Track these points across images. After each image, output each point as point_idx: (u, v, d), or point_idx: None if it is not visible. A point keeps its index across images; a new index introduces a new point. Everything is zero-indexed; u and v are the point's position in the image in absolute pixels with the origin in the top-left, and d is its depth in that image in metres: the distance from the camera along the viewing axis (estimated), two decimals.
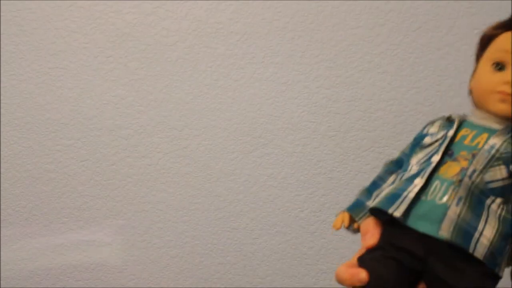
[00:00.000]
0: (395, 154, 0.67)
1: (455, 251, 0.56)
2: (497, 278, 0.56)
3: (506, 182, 0.58)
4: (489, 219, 0.57)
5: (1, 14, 1.01)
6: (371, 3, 0.98)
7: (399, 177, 0.63)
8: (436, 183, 0.59)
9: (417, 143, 0.65)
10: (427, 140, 0.63)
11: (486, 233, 0.56)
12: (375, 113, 0.98)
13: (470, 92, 0.65)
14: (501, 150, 0.58)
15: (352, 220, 0.65)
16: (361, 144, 1.00)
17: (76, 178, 1.02)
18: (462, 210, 0.57)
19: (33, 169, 1.03)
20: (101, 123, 1.01)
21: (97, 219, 1.02)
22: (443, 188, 0.58)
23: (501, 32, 0.63)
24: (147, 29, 1.00)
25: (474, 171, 0.58)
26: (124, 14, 1.00)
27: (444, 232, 0.56)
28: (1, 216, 1.03)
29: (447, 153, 0.61)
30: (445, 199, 0.57)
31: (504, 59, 0.62)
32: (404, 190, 0.59)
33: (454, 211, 0.56)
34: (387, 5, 0.97)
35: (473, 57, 0.96)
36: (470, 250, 0.55)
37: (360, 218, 0.64)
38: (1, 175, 1.03)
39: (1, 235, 1.03)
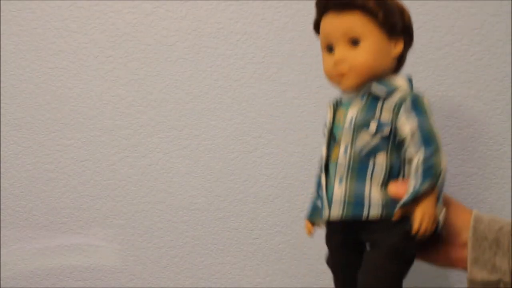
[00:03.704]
0: None
1: (365, 223, 0.61)
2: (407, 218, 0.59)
3: (375, 140, 0.62)
4: (373, 178, 0.61)
5: (1, 14, 1.01)
6: None
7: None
8: (330, 171, 0.65)
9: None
10: (324, 131, 0.69)
11: (374, 193, 0.61)
12: None
13: None
14: (357, 119, 0.63)
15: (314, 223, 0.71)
16: None
17: (76, 178, 1.02)
18: (346, 187, 0.62)
19: (33, 169, 1.03)
20: (101, 123, 1.01)
21: (97, 219, 1.02)
22: (333, 173, 0.64)
23: (320, 18, 0.68)
24: (147, 29, 1.00)
25: (346, 147, 0.63)
26: (124, 14, 1.00)
27: (334, 213, 0.63)
28: (1, 216, 1.03)
29: (333, 138, 0.67)
30: (333, 182, 0.63)
31: (330, 42, 0.67)
32: (321, 194, 0.66)
33: (338, 191, 0.62)
34: None
35: (473, 57, 0.97)
36: (364, 218, 0.61)
37: (318, 222, 0.70)
38: (1, 175, 1.03)
39: (1, 235, 1.03)
